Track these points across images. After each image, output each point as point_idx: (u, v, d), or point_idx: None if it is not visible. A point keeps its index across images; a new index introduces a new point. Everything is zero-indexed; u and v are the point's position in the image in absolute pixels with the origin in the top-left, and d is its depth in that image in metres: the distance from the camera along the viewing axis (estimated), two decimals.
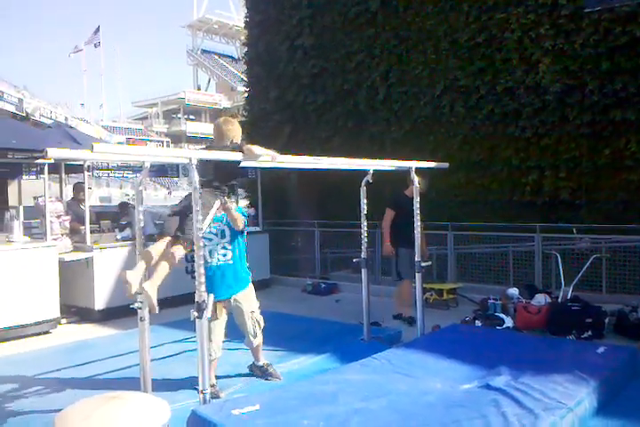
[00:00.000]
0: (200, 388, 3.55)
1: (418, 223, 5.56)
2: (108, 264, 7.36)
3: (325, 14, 10.75)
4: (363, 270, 5.63)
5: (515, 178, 8.53)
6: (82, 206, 7.78)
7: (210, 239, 4.31)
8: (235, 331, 4.61)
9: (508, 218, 8.26)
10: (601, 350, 4.60)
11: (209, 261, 4.26)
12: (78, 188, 8.13)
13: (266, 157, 4.02)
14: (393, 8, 9.79)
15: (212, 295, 3.56)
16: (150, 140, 45.04)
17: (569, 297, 6.56)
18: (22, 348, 5.98)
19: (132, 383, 4.01)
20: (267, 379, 4.58)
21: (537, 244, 7.90)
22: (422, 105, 9.49)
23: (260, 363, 4.65)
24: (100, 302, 7.29)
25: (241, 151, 3.87)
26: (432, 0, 9.27)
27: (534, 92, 8.27)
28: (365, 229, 5.56)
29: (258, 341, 4.56)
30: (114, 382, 4.46)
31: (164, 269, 3.68)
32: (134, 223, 3.87)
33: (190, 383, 4.21)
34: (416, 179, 5.42)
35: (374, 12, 10.03)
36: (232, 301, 4.44)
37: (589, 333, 5.93)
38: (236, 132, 4.25)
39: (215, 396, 4.06)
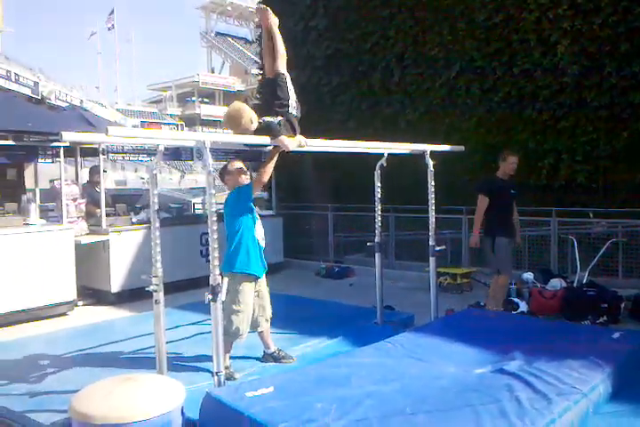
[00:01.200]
0: (215, 370, 3.59)
1: (433, 207, 5.51)
2: (123, 247, 7.42)
3: None
4: (376, 254, 5.63)
5: (531, 161, 8.42)
6: (97, 189, 7.82)
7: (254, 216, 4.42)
8: None
9: (524, 202, 8.15)
10: (616, 335, 4.56)
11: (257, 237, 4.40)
12: (94, 171, 8.16)
13: (298, 148, 4.12)
14: None
15: (226, 278, 3.59)
16: (164, 124, 45.06)
17: (584, 282, 6.52)
18: (39, 330, 6.08)
19: (147, 365, 4.07)
20: (278, 361, 4.61)
21: (553, 228, 7.83)
22: (437, 87, 9.38)
23: (271, 350, 4.67)
24: (115, 285, 7.36)
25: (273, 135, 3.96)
26: None
27: (552, 74, 8.14)
28: (379, 212, 5.55)
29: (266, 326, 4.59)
30: (130, 363, 4.52)
31: None
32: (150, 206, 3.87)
33: (205, 366, 4.26)
34: (431, 162, 5.37)
35: None
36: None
37: (605, 318, 5.90)
38: (247, 117, 4.05)
39: (230, 377, 4.11)
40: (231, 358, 4.41)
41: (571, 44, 7.90)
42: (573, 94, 7.99)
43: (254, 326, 4.53)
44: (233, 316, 4.23)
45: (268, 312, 4.60)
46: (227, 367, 4.22)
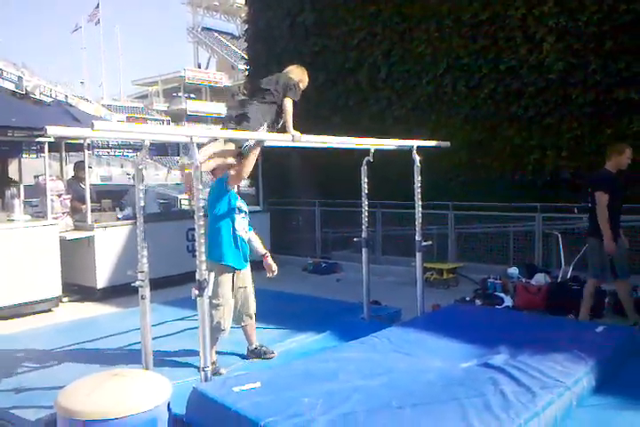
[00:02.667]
0: (201, 365, 3.58)
1: (419, 202, 5.54)
2: (109, 243, 7.38)
3: None
4: (363, 250, 5.64)
5: (517, 157, 8.48)
6: (82, 185, 7.77)
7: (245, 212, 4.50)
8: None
9: (510, 198, 8.24)
10: (600, 329, 4.63)
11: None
12: (79, 166, 8.10)
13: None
14: None
15: (212, 273, 3.58)
16: (151, 119, 44.79)
17: (569, 277, 6.58)
18: (24, 326, 6.03)
19: (133, 361, 4.05)
20: (261, 357, 4.61)
21: (537, 223, 7.90)
22: (424, 84, 9.41)
23: (253, 346, 4.67)
24: (101, 281, 7.32)
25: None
26: None
27: (537, 71, 8.18)
28: (366, 208, 5.56)
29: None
30: (115, 359, 4.50)
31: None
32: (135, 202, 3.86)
33: (191, 361, 4.26)
34: (417, 158, 5.39)
35: None
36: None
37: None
38: (302, 76, 4.61)
39: (216, 373, 4.11)
40: (217, 353, 4.41)
41: (556, 41, 7.95)
42: (559, 91, 8.05)
43: (237, 320, 4.53)
44: (213, 311, 4.17)
45: (252, 307, 4.57)
46: (213, 363, 4.19)
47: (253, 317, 4.62)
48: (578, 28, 7.77)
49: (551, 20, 7.95)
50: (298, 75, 4.58)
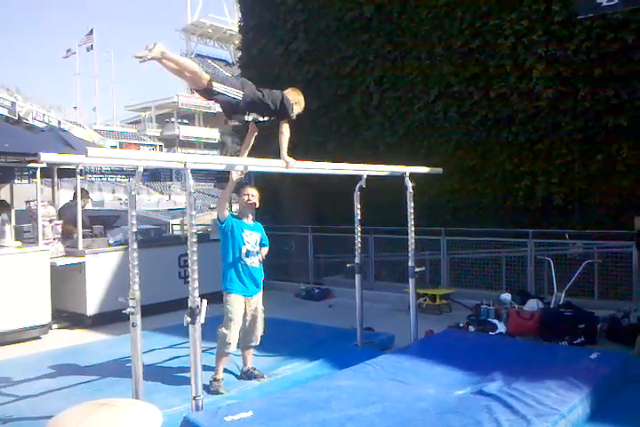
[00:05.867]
0: (193, 394, 3.53)
1: (412, 228, 5.55)
2: (100, 269, 7.32)
3: (320, 19, 10.76)
4: (356, 275, 5.62)
5: (508, 183, 8.55)
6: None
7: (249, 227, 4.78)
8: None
9: (501, 223, 8.27)
10: (594, 356, 4.60)
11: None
12: (83, 193, 8.03)
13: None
14: (387, 14, 9.82)
15: (205, 300, 3.55)
16: (143, 145, 44.94)
17: (561, 303, 6.57)
18: (12, 354, 5.93)
19: (124, 389, 3.99)
20: (251, 379, 4.70)
21: (529, 249, 7.91)
22: (416, 110, 9.51)
23: (247, 367, 4.81)
24: (91, 308, 7.23)
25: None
26: (426, 6, 9.30)
27: (527, 98, 8.30)
28: (359, 234, 5.56)
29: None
30: (106, 388, 4.44)
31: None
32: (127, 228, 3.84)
33: (182, 389, 4.19)
34: (410, 184, 5.42)
35: (369, 17, 10.05)
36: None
37: (582, 338, 5.93)
38: (298, 99, 4.55)
39: (216, 391, 4.30)
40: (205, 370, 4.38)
41: (545, 69, 8.08)
42: (548, 118, 8.15)
43: (245, 341, 4.70)
44: (223, 328, 4.49)
45: (260, 330, 4.77)
46: (217, 380, 4.45)
47: (259, 339, 4.78)
48: (567, 56, 7.91)
49: (540, 49, 8.10)
50: (296, 97, 4.58)
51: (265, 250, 4.86)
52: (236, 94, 3.95)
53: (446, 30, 9.10)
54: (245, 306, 4.64)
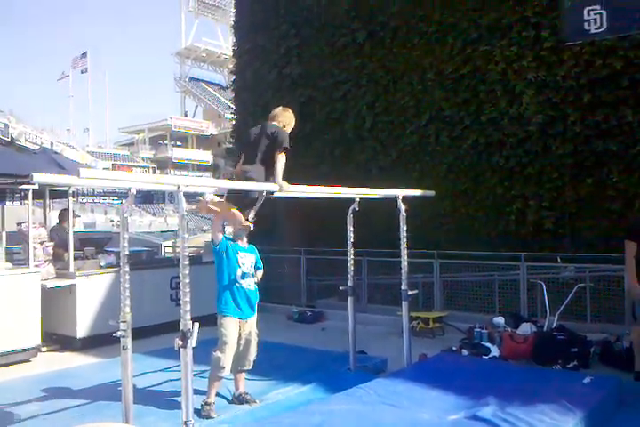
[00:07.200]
0: (184, 419, 3.48)
1: (405, 251, 5.56)
2: (91, 291, 7.26)
3: (313, 44, 10.92)
4: (349, 298, 5.61)
5: (499, 207, 8.60)
6: (67, 232, 7.69)
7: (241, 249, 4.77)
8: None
9: (494, 247, 8.30)
10: (587, 380, 4.59)
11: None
12: (63, 214, 8.04)
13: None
14: (379, 39, 9.98)
15: (196, 324, 3.53)
16: (136, 166, 45.01)
17: (554, 326, 6.55)
18: (0, 377, 5.84)
19: (113, 413, 3.93)
20: (243, 404, 4.64)
21: (522, 273, 7.91)
22: (408, 134, 9.60)
23: (238, 392, 4.75)
24: (82, 330, 7.16)
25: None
26: (418, 32, 9.47)
27: (517, 122, 8.41)
28: (352, 256, 5.56)
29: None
30: (95, 412, 4.37)
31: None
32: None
33: (173, 414, 4.14)
34: (403, 207, 5.44)
35: (361, 42, 10.21)
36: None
37: (575, 362, 5.91)
38: (288, 120, 4.70)
39: (207, 416, 4.24)
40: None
41: (535, 94, 8.21)
42: (539, 142, 8.25)
43: (237, 365, 4.65)
44: (217, 351, 4.44)
45: (253, 354, 4.73)
46: (208, 404, 4.38)
47: (252, 363, 4.74)
48: (556, 81, 8.04)
49: (530, 74, 8.23)
50: (285, 119, 4.68)
51: (260, 273, 4.87)
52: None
53: (437, 56, 9.25)
54: (240, 329, 4.60)
